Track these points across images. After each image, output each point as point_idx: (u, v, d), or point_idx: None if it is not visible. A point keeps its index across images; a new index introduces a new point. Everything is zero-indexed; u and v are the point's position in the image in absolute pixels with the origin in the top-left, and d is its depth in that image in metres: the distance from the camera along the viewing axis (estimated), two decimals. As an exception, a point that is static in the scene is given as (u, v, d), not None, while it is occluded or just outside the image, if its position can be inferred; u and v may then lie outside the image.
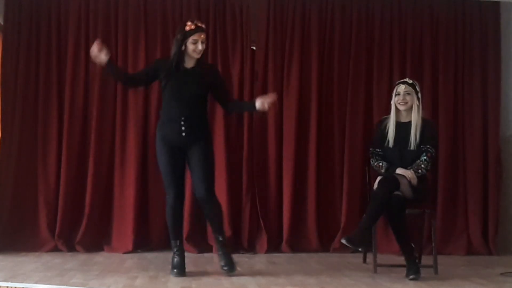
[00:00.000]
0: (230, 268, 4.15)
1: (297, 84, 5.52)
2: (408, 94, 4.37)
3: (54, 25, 5.41)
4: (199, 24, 4.18)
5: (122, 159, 5.35)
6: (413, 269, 4.09)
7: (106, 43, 5.31)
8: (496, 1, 5.64)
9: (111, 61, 4.12)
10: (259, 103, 4.15)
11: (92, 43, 5.29)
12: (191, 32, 4.12)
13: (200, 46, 4.11)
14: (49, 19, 5.41)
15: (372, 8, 5.66)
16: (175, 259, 4.18)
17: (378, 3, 5.65)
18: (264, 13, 5.57)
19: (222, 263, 4.18)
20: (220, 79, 4.38)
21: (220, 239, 4.22)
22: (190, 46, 4.12)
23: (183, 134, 4.13)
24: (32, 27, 5.40)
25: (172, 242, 4.23)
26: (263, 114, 4.20)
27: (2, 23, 5.46)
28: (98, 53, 4.04)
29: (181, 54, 4.15)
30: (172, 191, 4.18)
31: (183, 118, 4.11)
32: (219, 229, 4.24)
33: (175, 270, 4.14)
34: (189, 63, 4.22)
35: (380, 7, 5.65)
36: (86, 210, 5.27)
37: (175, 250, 4.20)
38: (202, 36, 4.13)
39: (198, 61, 4.21)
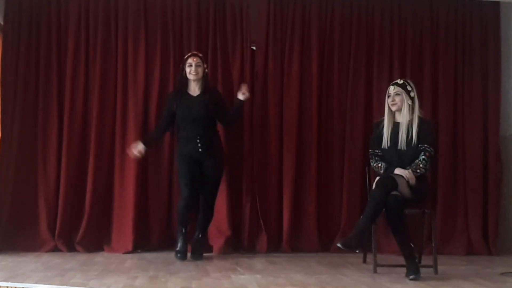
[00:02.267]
0: (197, 256, 4.87)
1: (297, 84, 5.52)
2: (398, 94, 4.41)
3: (54, 25, 5.41)
4: (195, 52, 5.03)
5: (122, 159, 5.34)
6: (413, 269, 4.10)
7: (106, 43, 5.39)
8: (496, 1, 5.65)
9: (146, 142, 4.97)
10: (240, 95, 4.98)
11: (92, 43, 5.39)
12: (186, 58, 4.96)
13: (194, 68, 4.88)
14: (49, 19, 5.41)
15: (372, 8, 5.66)
16: (179, 244, 4.83)
17: (378, 3, 5.65)
18: (264, 13, 5.57)
19: (192, 252, 4.88)
20: (222, 102, 5.04)
21: (200, 236, 4.97)
22: (186, 70, 4.92)
23: (200, 150, 4.87)
24: (32, 27, 5.40)
25: (179, 227, 4.88)
26: (247, 99, 5.10)
27: (2, 23, 5.46)
28: (136, 152, 4.92)
29: (184, 80, 4.94)
30: (188, 188, 4.80)
31: (198, 137, 4.86)
32: (202, 228, 5.00)
33: (178, 254, 4.79)
34: (194, 91, 4.95)
35: (380, 7, 5.65)
36: (86, 210, 5.27)
37: (180, 236, 4.85)
38: (195, 59, 4.91)
39: (203, 88, 4.92)
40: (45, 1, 5.42)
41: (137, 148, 4.91)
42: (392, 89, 4.43)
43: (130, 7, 5.45)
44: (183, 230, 4.85)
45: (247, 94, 5.00)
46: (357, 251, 4.24)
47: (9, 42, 5.39)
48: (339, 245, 4.05)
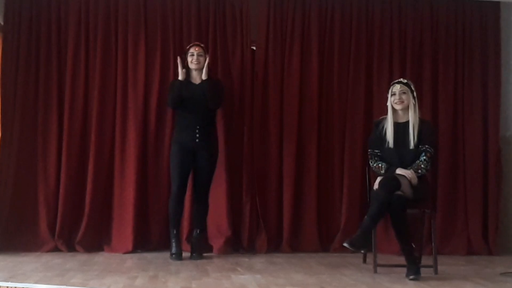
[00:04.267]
0: (197, 256, 4.93)
1: (297, 84, 5.52)
2: (404, 93, 4.39)
3: (54, 25, 5.40)
4: (197, 42, 5.10)
5: (122, 159, 5.34)
6: (413, 269, 4.10)
7: (106, 43, 5.40)
8: (496, 1, 5.65)
9: (182, 81, 4.95)
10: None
11: (92, 43, 5.40)
12: (189, 48, 5.06)
13: (195, 57, 4.97)
14: (49, 19, 5.40)
15: (372, 8, 5.65)
16: (173, 246, 4.90)
17: (378, 3, 5.65)
18: (264, 13, 5.57)
19: (192, 251, 4.98)
20: (216, 87, 5.01)
21: (198, 232, 5.04)
22: (188, 59, 5.01)
23: (197, 140, 4.90)
24: (32, 27, 5.40)
25: (171, 230, 4.95)
26: None
27: (2, 23, 5.46)
28: (180, 68, 4.95)
29: (187, 69, 5.00)
30: (177, 182, 4.91)
31: (198, 127, 4.92)
32: (199, 223, 5.08)
33: (173, 255, 4.86)
34: (196, 80, 5.01)
35: (380, 7, 5.65)
36: (86, 210, 5.26)
37: (172, 239, 4.91)
38: (197, 49, 5.01)
39: (205, 78, 4.94)
40: (45, 1, 5.41)
41: (181, 71, 4.96)
42: (398, 88, 4.40)
43: (130, 7, 5.44)
44: (175, 232, 4.93)
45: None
46: (362, 251, 4.24)
47: (9, 42, 5.38)
48: (345, 244, 4.02)
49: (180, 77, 4.97)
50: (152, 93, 5.39)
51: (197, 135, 4.91)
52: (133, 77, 5.39)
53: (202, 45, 5.09)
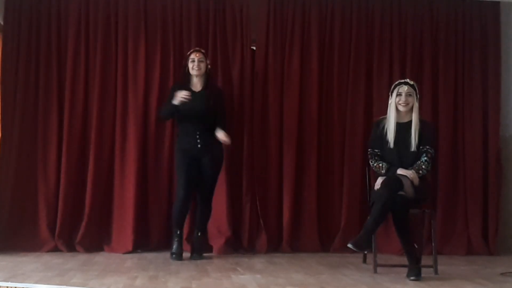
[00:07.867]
0: (197, 256, 4.93)
1: (297, 84, 5.52)
2: (410, 95, 4.37)
3: (54, 25, 5.40)
4: (197, 48, 5.07)
5: (122, 159, 5.35)
6: (415, 271, 4.09)
7: (106, 43, 5.40)
8: (496, 1, 5.65)
9: (177, 106, 4.84)
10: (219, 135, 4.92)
11: (92, 43, 5.40)
12: (189, 54, 5.02)
13: (196, 63, 4.93)
14: (49, 19, 5.41)
15: (372, 8, 5.66)
16: (174, 245, 4.87)
17: (378, 3, 5.65)
18: (264, 13, 5.57)
19: (192, 251, 4.97)
20: (220, 105, 5.03)
21: (199, 234, 5.03)
22: (189, 65, 4.97)
23: (199, 146, 4.89)
24: (32, 27, 5.40)
25: (174, 229, 4.92)
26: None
27: (2, 23, 5.47)
28: (179, 98, 4.81)
29: (187, 76, 4.99)
30: (184, 190, 4.86)
31: (198, 133, 4.90)
32: (200, 226, 5.06)
33: (174, 255, 4.84)
34: (196, 87, 4.98)
35: (380, 7, 5.65)
36: (86, 210, 5.26)
37: (175, 238, 4.88)
38: (198, 55, 4.97)
39: (205, 84, 4.98)
40: (45, 1, 5.41)
41: (178, 100, 4.81)
42: (405, 89, 4.36)
43: (130, 7, 5.45)
44: (178, 232, 4.90)
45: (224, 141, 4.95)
46: (366, 252, 4.24)
47: (9, 42, 5.38)
48: (350, 245, 4.00)
49: (175, 102, 4.81)
50: (152, 93, 5.39)
51: (198, 141, 4.90)
52: (133, 77, 5.39)
53: (202, 50, 5.06)
